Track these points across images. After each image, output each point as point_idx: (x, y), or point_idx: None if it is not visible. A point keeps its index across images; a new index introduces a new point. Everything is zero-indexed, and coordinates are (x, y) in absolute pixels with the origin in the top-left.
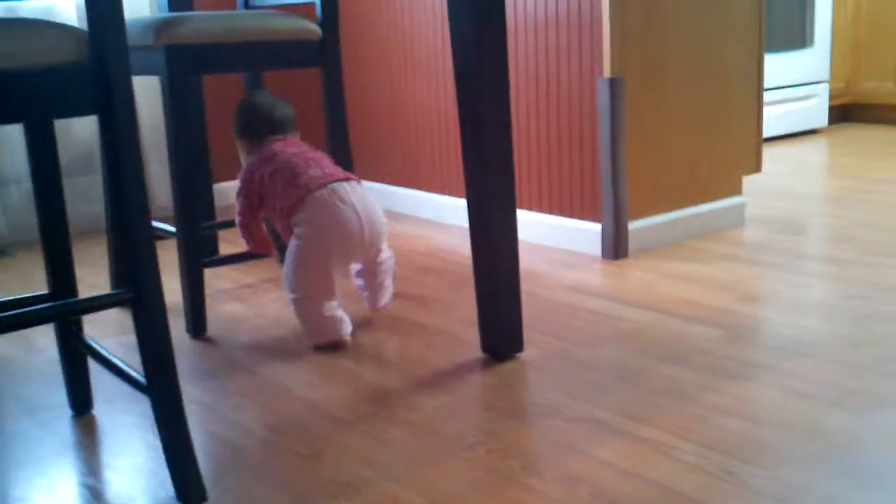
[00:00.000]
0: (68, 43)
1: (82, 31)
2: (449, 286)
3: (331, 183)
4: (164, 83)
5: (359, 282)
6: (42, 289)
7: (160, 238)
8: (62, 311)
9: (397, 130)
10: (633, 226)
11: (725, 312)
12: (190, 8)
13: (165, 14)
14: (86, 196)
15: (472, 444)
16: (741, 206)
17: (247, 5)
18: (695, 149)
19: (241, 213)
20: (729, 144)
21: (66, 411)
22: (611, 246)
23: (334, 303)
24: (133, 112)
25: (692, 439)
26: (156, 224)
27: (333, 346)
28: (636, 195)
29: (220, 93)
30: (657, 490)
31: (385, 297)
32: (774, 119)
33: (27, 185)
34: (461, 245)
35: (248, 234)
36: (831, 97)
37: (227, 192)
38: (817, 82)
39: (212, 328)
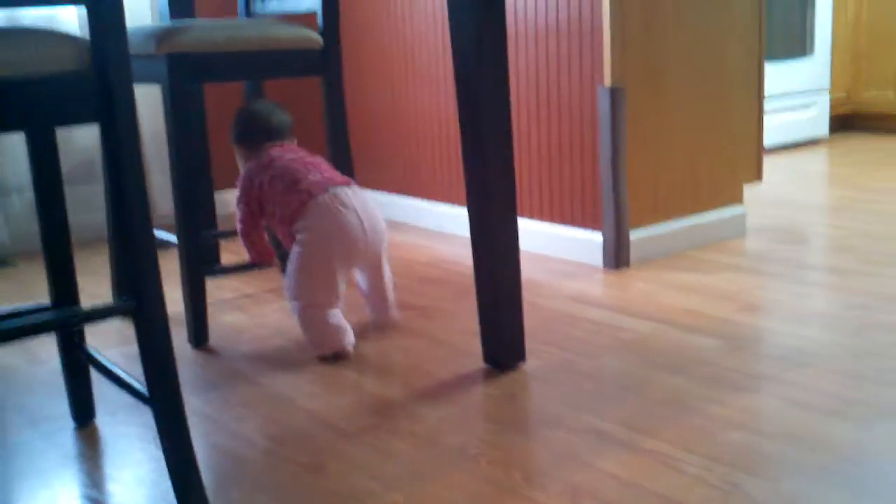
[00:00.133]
0: (70, 52)
1: (84, 39)
2: (451, 296)
3: (332, 187)
4: (166, 92)
5: (364, 292)
6: (44, 299)
7: (161, 247)
8: (64, 321)
9: (398, 139)
10: (634, 235)
11: (727, 323)
12: (192, 16)
13: (167, 23)
14: (87, 205)
15: (475, 456)
16: (742, 215)
17: (248, 14)
18: (695, 158)
19: (243, 221)
20: (730, 153)
21: (69, 422)
22: (612, 255)
23: (338, 311)
24: (134, 121)
25: (695, 451)
26: (157, 233)
27: (336, 357)
28: (637, 204)
29: (222, 101)
30: (660, 502)
31: (394, 309)
32: (775, 128)
33: (29, 194)
34: (463, 255)
35: (250, 242)
36: (832, 106)
37: (228, 200)
38: (817, 91)
39: (213, 338)
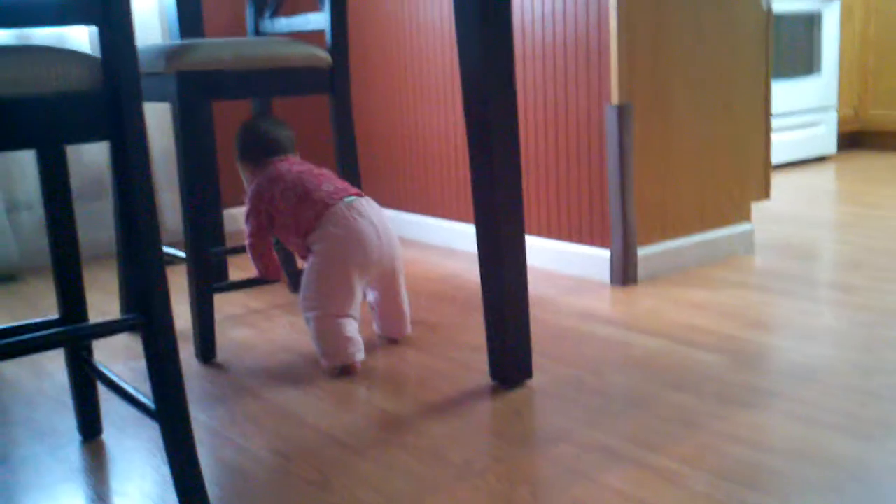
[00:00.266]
0: (80, 70)
1: (94, 58)
2: (458, 312)
3: (347, 197)
4: (175, 110)
5: (372, 306)
6: (52, 314)
7: (170, 263)
8: (72, 336)
9: (406, 156)
10: (642, 252)
11: (735, 339)
12: (201, 35)
13: (177, 41)
14: (97, 221)
15: (481, 471)
16: (750, 232)
17: (257, 32)
18: (703, 175)
19: (252, 235)
20: (738, 170)
21: (76, 437)
22: (619, 272)
23: (354, 323)
24: (144, 138)
25: (702, 467)
26: (165, 249)
27: (344, 371)
28: (645, 221)
29: (230, 119)
30: None
31: (408, 325)
32: (783, 146)
33: (39, 211)
34: (471, 271)
35: (258, 256)
36: (840, 124)
37: (236, 217)
38: (825, 109)
39: (221, 353)
